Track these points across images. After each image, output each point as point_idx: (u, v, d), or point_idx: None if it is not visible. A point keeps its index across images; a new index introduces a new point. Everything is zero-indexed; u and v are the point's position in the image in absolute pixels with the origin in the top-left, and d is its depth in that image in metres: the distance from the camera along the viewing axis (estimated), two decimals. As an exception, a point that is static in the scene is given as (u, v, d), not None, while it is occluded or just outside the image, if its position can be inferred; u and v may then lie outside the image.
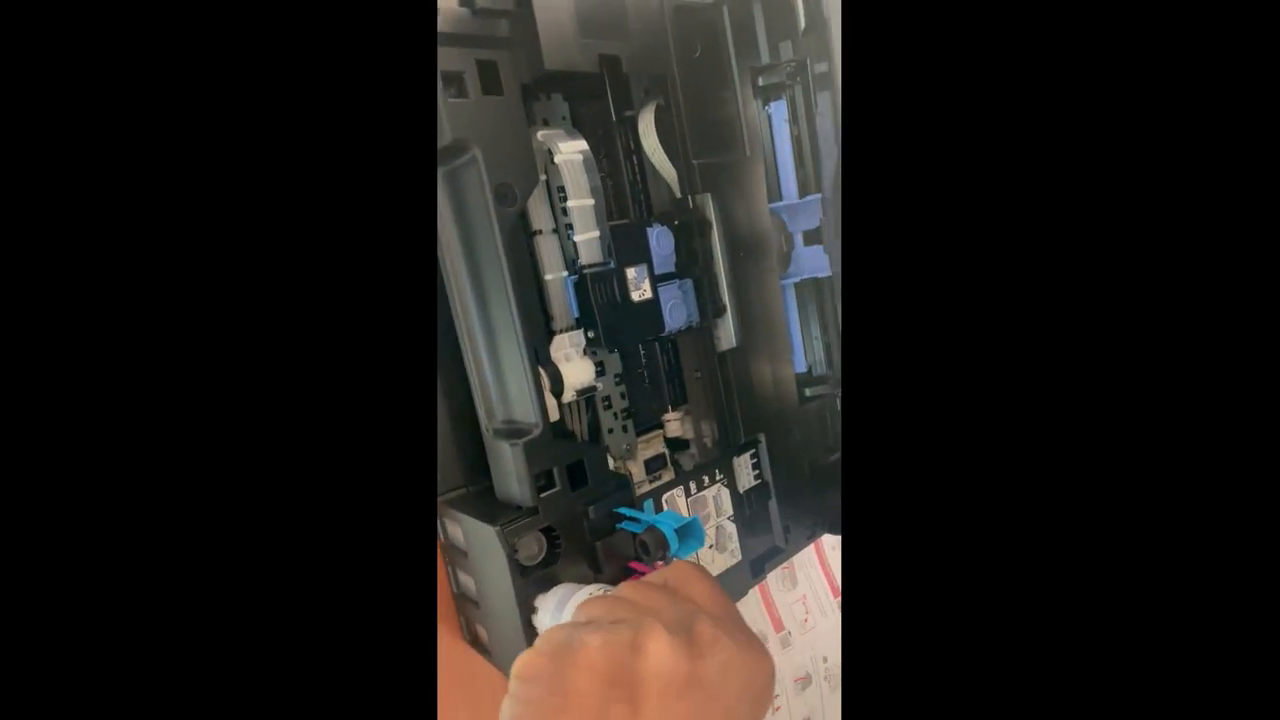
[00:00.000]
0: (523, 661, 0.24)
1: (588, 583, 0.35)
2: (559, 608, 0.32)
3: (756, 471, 0.43)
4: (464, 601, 0.40)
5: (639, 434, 0.42)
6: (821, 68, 0.42)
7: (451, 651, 0.40)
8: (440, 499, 0.38)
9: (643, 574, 0.35)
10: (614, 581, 0.36)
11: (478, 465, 0.38)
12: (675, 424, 0.44)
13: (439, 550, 0.40)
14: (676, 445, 0.45)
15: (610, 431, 0.41)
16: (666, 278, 0.39)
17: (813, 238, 0.46)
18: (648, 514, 0.36)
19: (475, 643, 0.40)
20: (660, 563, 0.34)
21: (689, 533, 0.34)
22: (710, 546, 0.41)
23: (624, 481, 0.38)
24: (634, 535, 0.36)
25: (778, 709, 0.50)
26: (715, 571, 0.41)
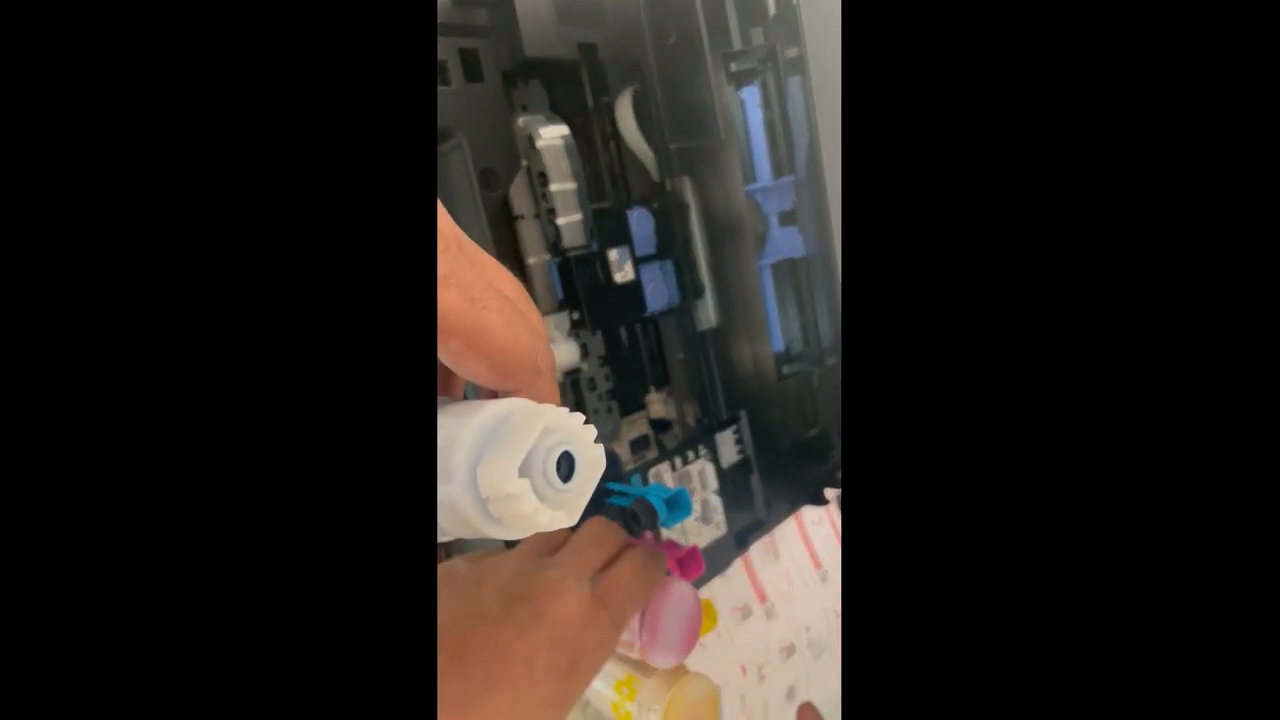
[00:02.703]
0: None
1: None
2: None
3: (739, 447, 0.45)
4: (457, 582, 0.40)
5: (623, 415, 0.43)
6: (791, 53, 0.44)
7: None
8: (431, 482, 0.39)
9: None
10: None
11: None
12: (658, 405, 0.45)
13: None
14: (660, 426, 0.46)
15: (595, 413, 0.42)
16: (647, 259, 0.40)
17: (787, 219, 0.47)
18: (635, 487, 0.37)
19: (469, 622, 0.41)
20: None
21: (677, 503, 0.35)
22: (697, 519, 0.42)
23: (613, 458, 0.39)
24: (622, 509, 0.37)
25: (764, 678, 0.51)
26: (703, 543, 0.42)
